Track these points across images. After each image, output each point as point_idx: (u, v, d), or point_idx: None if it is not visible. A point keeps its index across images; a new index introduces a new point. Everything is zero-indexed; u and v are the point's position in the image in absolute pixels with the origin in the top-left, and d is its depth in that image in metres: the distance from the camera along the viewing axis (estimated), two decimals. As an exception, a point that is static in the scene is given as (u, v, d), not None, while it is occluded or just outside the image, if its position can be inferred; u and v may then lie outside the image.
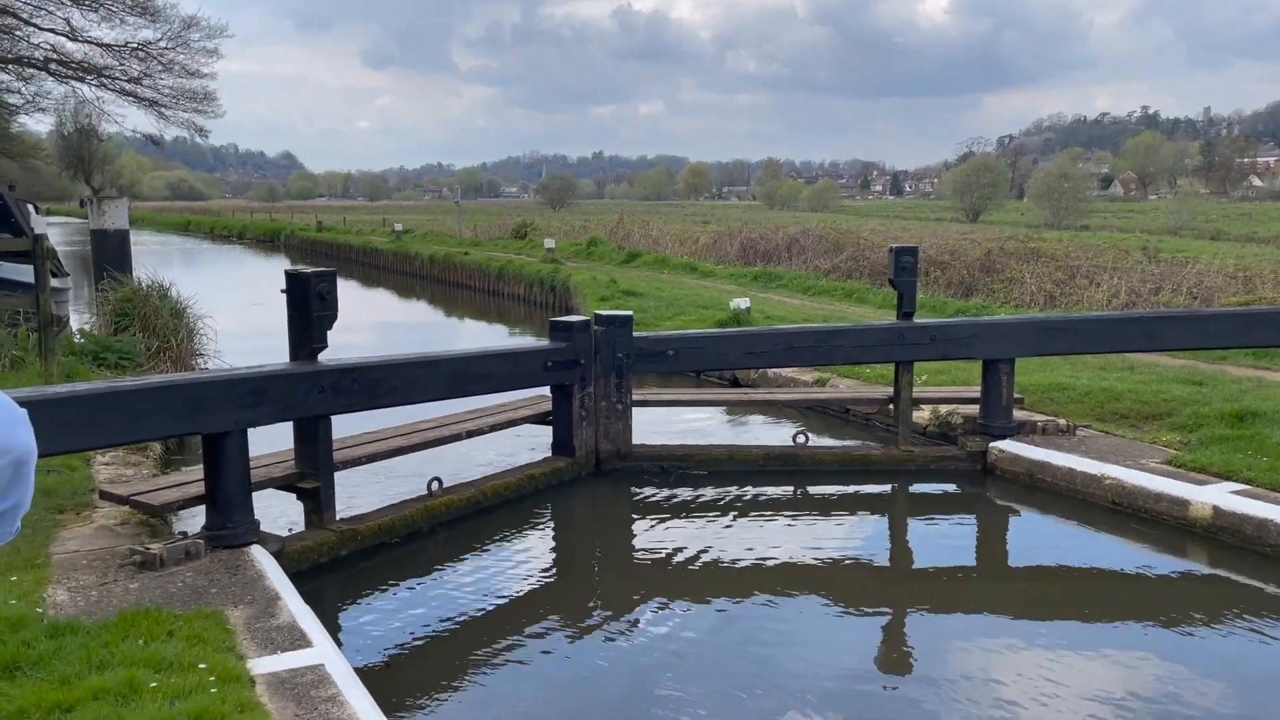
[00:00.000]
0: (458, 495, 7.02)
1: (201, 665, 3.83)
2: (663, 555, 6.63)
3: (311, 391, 5.95)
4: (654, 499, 7.86)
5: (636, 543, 7.12)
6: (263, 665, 3.99)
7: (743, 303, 14.06)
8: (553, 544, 7.20)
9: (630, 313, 8.13)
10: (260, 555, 5.41)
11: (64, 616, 4.40)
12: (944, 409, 9.06)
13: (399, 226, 43.86)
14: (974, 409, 8.58)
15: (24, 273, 17.44)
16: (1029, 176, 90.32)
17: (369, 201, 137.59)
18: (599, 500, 7.96)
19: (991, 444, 8.17)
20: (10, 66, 40.87)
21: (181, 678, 3.73)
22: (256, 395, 5.61)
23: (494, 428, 7.74)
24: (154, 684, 3.65)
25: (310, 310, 5.97)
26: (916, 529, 7.53)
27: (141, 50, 39.81)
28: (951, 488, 8.18)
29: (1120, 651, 5.24)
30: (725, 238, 27.85)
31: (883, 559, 6.79)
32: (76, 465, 6.91)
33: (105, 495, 5.92)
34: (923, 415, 9.07)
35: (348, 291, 22.76)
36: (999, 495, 7.98)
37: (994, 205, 65.25)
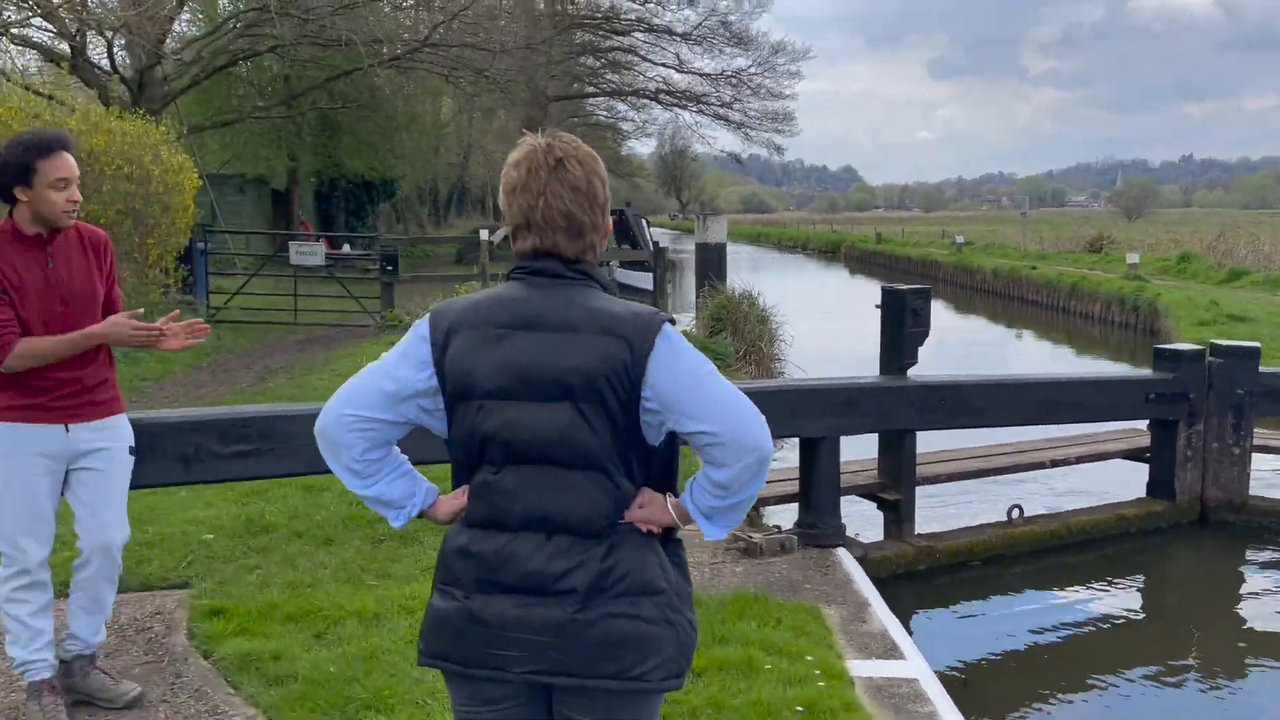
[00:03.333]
0: (1039, 526, 6.70)
1: (808, 657, 4.08)
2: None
3: (900, 406, 6.06)
4: (1276, 562, 6.82)
5: (1246, 608, 6.24)
6: (860, 668, 4.14)
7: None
8: (1143, 592, 6.57)
9: (1257, 344, 7.11)
10: (846, 558, 5.63)
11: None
12: None
13: (960, 238, 43.16)
14: None
15: (644, 280, 20.20)
16: None
17: (924, 212, 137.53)
18: (1203, 554, 7.09)
19: None
20: (628, 98, 47.57)
21: (790, 665, 4.01)
22: (850, 405, 5.86)
23: (1080, 459, 7.27)
24: (768, 665, 3.97)
25: (904, 326, 6.08)
26: None
27: (734, 77, 43.92)
28: None
29: None
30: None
31: None
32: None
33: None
34: None
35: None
36: None
37: None
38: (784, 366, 12.74)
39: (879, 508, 6.56)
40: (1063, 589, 6.39)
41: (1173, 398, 6.98)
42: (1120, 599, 6.31)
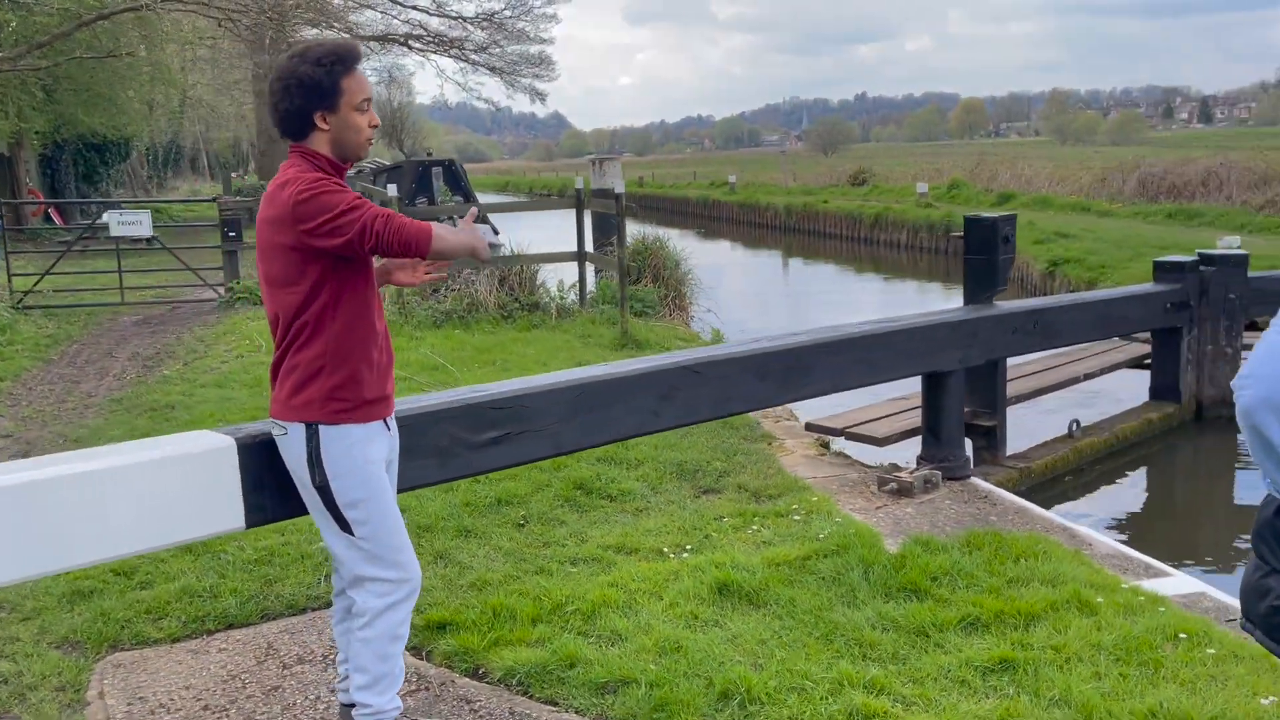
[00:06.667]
0: (1095, 437, 7.08)
1: (1120, 587, 4.08)
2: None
3: (1004, 333, 6.16)
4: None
5: (1238, 493, 6.99)
6: (1155, 588, 4.18)
7: (1233, 241, 13.09)
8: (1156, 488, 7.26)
9: (1245, 252, 7.78)
10: (992, 487, 5.69)
11: (905, 538, 4.83)
12: None
13: (733, 178, 44.60)
14: None
15: (486, 233, 19.42)
16: None
17: (637, 156, 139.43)
18: (1200, 447, 7.80)
19: None
20: (370, 44, 45.19)
21: (1110, 596, 3.99)
22: (972, 337, 5.88)
23: (1103, 371, 7.74)
24: (1099, 600, 3.93)
25: (997, 253, 6.15)
26: None
27: (488, 20, 42.71)
28: None
29: None
30: (1114, 174, 26.10)
31: None
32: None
33: (813, 427, 6.45)
34: None
35: (703, 246, 23.00)
36: None
37: None
38: (701, 312, 12.68)
39: (969, 435, 6.66)
40: (1125, 492, 6.85)
41: (1179, 306, 7.52)
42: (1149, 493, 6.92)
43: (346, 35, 43.07)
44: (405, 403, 3.58)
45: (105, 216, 14.86)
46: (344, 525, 2.91)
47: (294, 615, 4.34)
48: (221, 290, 14.77)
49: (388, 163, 26.87)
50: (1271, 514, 1.82)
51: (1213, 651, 3.51)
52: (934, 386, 5.83)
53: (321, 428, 2.83)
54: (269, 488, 3.17)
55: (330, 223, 2.68)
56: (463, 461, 3.69)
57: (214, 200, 16.36)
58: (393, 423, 3.04)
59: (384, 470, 2.92)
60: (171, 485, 3.00)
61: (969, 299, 6.35)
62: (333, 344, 2.81)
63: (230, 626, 4.24)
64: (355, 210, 2.69)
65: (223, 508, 3.12)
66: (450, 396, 3.72)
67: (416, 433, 3.49)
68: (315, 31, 41.90)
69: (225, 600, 4.40)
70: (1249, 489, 6.98)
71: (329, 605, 4.45)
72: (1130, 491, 7.07)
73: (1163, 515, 6.72)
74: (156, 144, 44.75)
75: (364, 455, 2.85)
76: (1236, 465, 7.48)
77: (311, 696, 3.67)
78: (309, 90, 2.79)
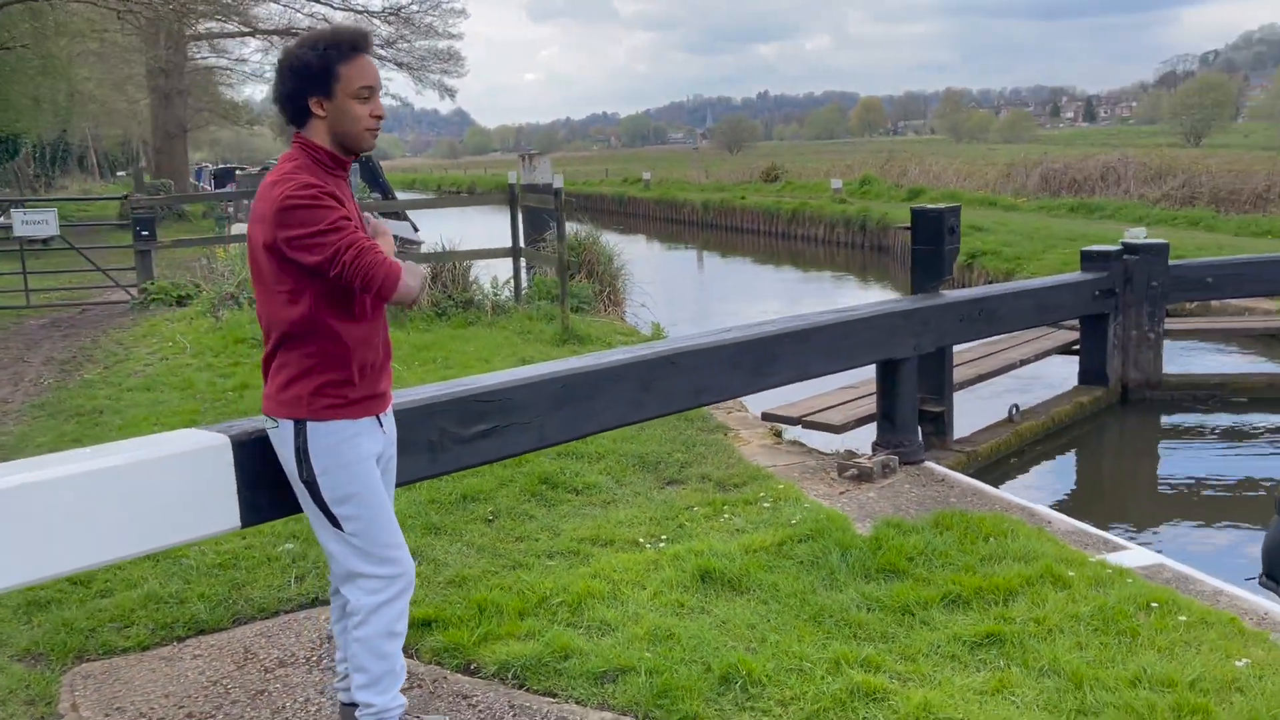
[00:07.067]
0: (1033, 421, 7.34)
1: (1085, 562, 4.23)
2: (1190, 482, 6.92)
3: (953, 320, 6.33)
4: (1186, 425, 8.00)
5: (1163, 469, 7.37)
6: (1118, 562, 4.35)
7: (1139, 232, 13.66)
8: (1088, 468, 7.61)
9: (1166, 241, 8.14)
10: (947, 470, 5.85)
11: (873, 521, 4.94)
12: None
13: (648, 175, 44.76)
14: None
15: (404, 229, 19.10)
16: (1242, 95, 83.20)
17: (541, 154, 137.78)
18: (1127, 427, 8.15)
19: None
20: (272, 37, 43.95)
21: (1080, 570, 4.14)
22: (924, 325, 6.03)
23: (1036, 357, 8.02)
24: (1072, 573, 4.08)
25: (944, 244, 6.32)
26: None
27: (395, 14, 41.97)
28: None
29: None
30: (1019, 169, 27.00)
31: None
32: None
33: (770, 416, 6.53)
34: None
35: (623, 243, 23.26)
36: None
37: (1218, 127, 59.22)
38: (634, 308, 12.72)
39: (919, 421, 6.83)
40: (1060, 474, 7.12)
41: (1106, 294, 7.83)
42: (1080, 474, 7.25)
43: (247, 28, 41.86)
44: (396, 396, 3.52)
45: (11, 215, 14.21)
46: (333, 521, 2.85)
47: (267, 619, 4.23)
48: (134, 291, 14.25)
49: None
50: None
51: (1184, 619, 3.68)
52: (889, 373, 5.97)
53: (309, 424, 2.78)
54: (264, 486, 3.09)
55: (308, 239, 2.61)
56: (453, 456, 3.65)
57: (124, 198, 15.76)
58: (389, 420, 2.99)
59: (375, 466, 2.87)
60: (165, 485, 2.91)
61: (917, 288, 6.51)
62: (323, 341, 2.75)
63: (202, 632, 4.12)
64: (334, 233, 2.61)
65: (218, 507, 3.03)
66: (440, 389, 3.67)
67: (408, 427, 3.43)
68: (217, 25, 40.64)
69: (194, 606, 4.27)
70: (1172, 465, 7.35)
71: (302, 608, 4.37)
72: (1067, 471, 7.36)
73: (1095, 493, 7.00)
74: (44, 141, 42.88)
75: (354, 451, 2.80)
76: (1160, 444, 7.85)
77: (301, 699, 3.58)
78: (300, 74, 2.73)
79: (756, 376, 4.90)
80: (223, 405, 7.64)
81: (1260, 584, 2.08)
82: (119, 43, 29.39)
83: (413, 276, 2.69)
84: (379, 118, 2.81)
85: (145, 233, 14.24)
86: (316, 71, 2.71)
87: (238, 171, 34.28)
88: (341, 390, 2.79)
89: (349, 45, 2.75)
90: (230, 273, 12.45)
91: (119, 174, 64.11)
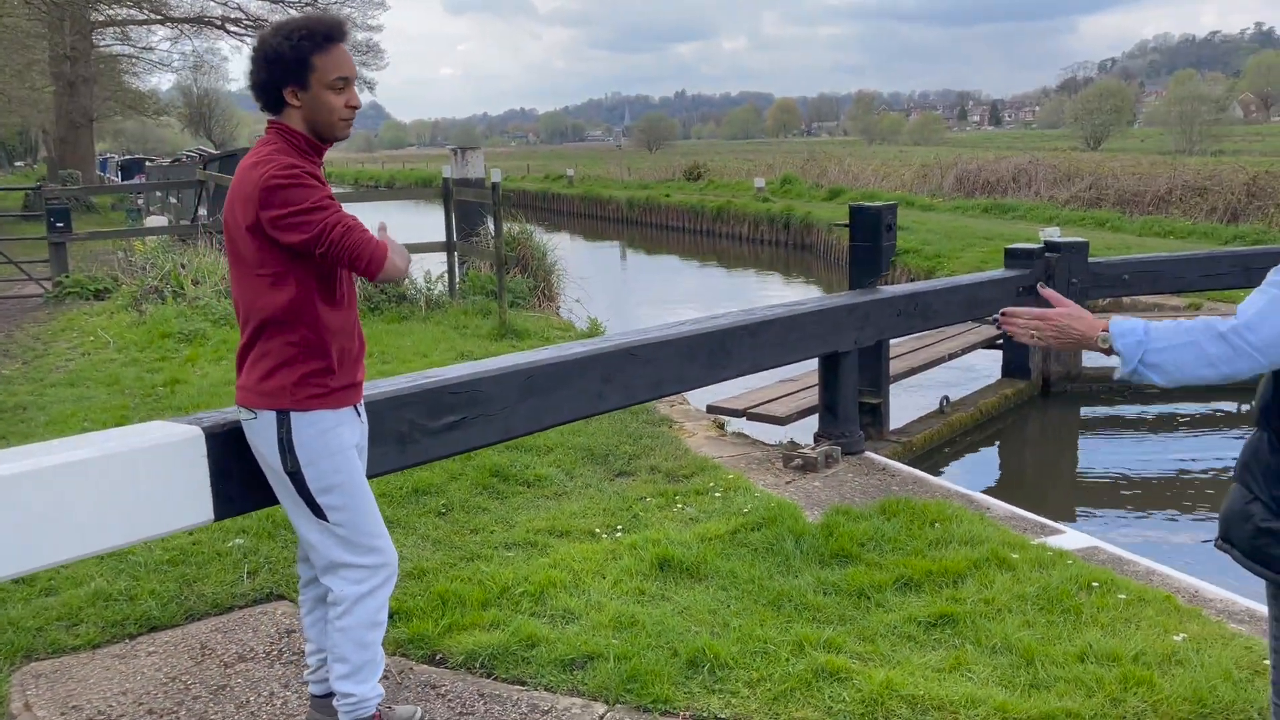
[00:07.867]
0: (963, 412, 7.59)
1: (1026, 545, 4.42)
2: (1108, 470, 7.30)
3: (889, 315, 6.51)
4: (1104, 417, 8.37)
5: (1083, 459, 7.73)
6: (1053, 543, 4.56)
7: (1053, 232, 14.17)
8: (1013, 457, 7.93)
9: (1085, 240, 8.47)
10: (887, 460, 6.03)
11: (821, 509, 5.07)
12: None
13: (571, 172, 44.68)
14: None
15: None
16: (1138, 101, 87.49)
17: (476, 149, 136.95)
18: (1048, 420, 8.49)
19: None
20: (183, 25, 42.66)
21: (1023, 553, 4.33)
22: (864, 319, 6.20)
23: (964, 351, 8.29)
24: (1015, 555, 4.26)
25: (881, 240, 6.50)
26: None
27: (310, 5, 41.10)
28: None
29: None
30: (935, 170, 27.70)
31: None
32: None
33: (715, 409, 6.64)
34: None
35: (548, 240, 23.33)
36: None
37: (1116, 132, 61.83)
38: (569, 303, 12.73)
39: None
40: (990, 465, 7.38)
41: (1028, 290, 8.12)
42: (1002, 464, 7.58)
43: (156, 16, 40.40)
44: (365, 388, 3.52)
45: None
46: (317, 512, 2.85)
47: (221, 614, 4.18)
48: (48, 285, 13.77)
49: (216, 151, 25.56)
50: (1265, 449, 2.08)
51: (1123, 597, 3.88)
52: (831, 366, 6.12)
53: (293, 414, 2.77)
54: (237, 478, 3.06)
55: (294, 217, 2.61)
56: (421, 448, 3.66)
57: (37, 188, 15.19)
58: (363, 409, 3.00)
59: (356, 455, 2.89)
60: (137, 478, 2.86)
61: (855, 284, 6.68)
62: (306, 330, 2.75)
63: (154, 629, 4.04)
64: (320, 211, 2.62)
65: (191, 500, 3.00)
66: (409, 381, 3.67)
67: (377, 418, 3.44)
68: (125, 12, 39.20)
69: (145, 603, 4.19)
70: (1090, 454, 7.69)
71: (257, 603, 4.32)
72: (994, 460, 7.63)
73: (1019, 481, 7.27)
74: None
75: (337, 441, 2.81)
76: (1080, 434, 8.20)
77: (265, 693, 3.56)
78: (273, 64, 2.72)
79: (712, 369, 5.00)
80: (154, 401, 7.46)
81: (1217, 547, 2.24)
82: (22, 27, 28.29)
83: (399, 255, 2.71)
84: (354, 108, 2.82)
85: (60, 224, 13.77)
86: (291, 62, 2.71)
87: (147, 163, 33.20)
88: (323, 380, 2.79)
89: (324, 35, 2.75)
90: (151, 265, 12.11)
91: (17, 164, 61.51)
